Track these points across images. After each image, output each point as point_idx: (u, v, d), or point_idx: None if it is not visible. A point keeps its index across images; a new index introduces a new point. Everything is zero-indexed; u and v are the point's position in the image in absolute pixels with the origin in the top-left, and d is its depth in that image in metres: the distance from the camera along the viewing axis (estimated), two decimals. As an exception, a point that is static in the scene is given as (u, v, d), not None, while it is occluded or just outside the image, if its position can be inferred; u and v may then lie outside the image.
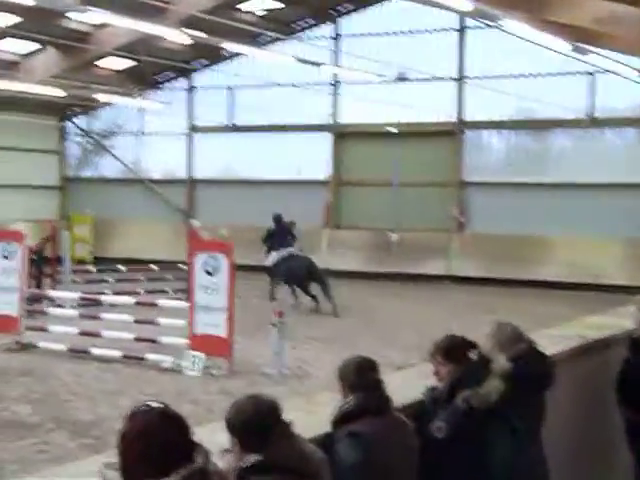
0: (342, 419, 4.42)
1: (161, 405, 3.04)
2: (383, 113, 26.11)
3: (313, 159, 28.44)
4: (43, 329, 13.87)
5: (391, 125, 26.55)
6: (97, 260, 26.67)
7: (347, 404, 4.46)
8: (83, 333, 13.66)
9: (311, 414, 4.91)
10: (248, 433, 3.59)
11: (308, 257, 19.55)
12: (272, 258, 19.87)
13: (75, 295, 15.46)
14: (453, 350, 5.27)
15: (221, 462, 3.45)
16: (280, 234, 20.17)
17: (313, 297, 18.75)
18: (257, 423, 3.61)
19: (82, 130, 32.61)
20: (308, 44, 25.64)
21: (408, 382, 5.93)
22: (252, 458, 3.52)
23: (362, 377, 4.51)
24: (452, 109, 26.23)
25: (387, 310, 19.18)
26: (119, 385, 11.33)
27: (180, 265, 19.61)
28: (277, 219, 20.57)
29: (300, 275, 18.79)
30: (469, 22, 25.46)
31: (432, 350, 5.38)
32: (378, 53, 24.75)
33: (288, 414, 3.81)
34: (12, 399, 10.45)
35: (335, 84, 27.84)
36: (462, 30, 25.91)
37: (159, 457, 2.90)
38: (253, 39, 25.65)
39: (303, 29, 27.68)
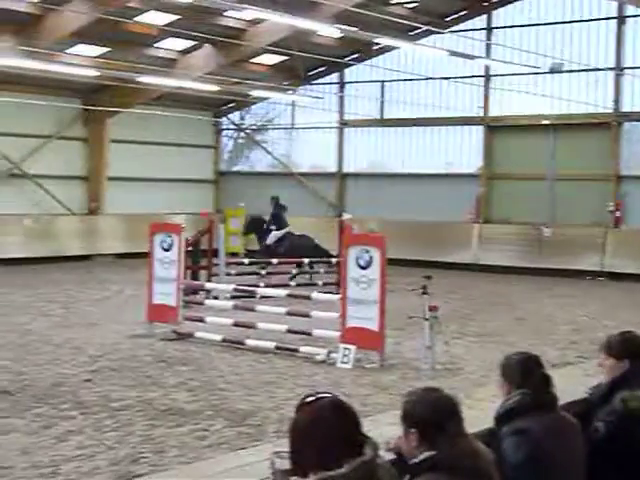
0: (506, 416, 4.36)
1: (333, 395, 3.05)
2: (537, 105, 25.61)
3: (463, 152, 28.21)
4: (200, 319, 14.24)
5: (545, 117, 26.02)
6: (249, 253, 27.19)
7: (512, 400, 4.40)
8: (238, 324, 13.95)
9: (471, 409, 4.87)
10: (426, 426, 3.55)
11: (307, 235, 21.83)
12: (272, 237, 21.92)
13: (230, 287, 15.81)
14: (620, 347, 5.09)
15: (387, 455, 3.47)
16: (280, 215, 21.96)
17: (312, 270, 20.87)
18: (437, 417, 3.56)
19: (235, 125, 33.35)
20: (460, 36, 25.39)
21: (567, 380, 5.81)
22: (426, 454, 3.49)
23: (528, 373, 4.44)
24: (609, 100, 25.47)
25: (539, 306, 18.81)
26: (274, 376, 11.51)
27: (331, 258, 19.84)
28: (277, 201, 22.51)
29: (304, 251, 20.63)
30: (629, 10, 24.66)
31: (601, 345, 5.24)
32: (532, 44, 24.27)
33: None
34: (172, 386, 10.77)
35: (487, 76, 27.48)
36: (621, 19, 25.11)
37: (330, 447, 2.91)
38: (405, 33, 25.60)
39: (456, 21, 27.45)
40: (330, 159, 31.08)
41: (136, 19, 23.81)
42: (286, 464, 3.05)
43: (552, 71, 25.27)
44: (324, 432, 2.96)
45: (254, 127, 33.06)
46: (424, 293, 12.54)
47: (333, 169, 30.99)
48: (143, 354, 12.78)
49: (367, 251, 12.45)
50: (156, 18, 24.04)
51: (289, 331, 13.44)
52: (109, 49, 25.41)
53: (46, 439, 8.42)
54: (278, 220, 22.19)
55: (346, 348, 12.31)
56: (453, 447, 3.50)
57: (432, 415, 3.58)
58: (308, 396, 3.09)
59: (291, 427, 3.04)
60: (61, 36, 22.55)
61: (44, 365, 11.83)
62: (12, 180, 27.07)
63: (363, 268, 12.41)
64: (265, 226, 22.37)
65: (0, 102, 24.79)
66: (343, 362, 12.21)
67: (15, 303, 17.73)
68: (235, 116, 33.21)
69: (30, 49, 21.88)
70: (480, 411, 4.82)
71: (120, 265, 25.78)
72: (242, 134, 33.63)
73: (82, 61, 24.93)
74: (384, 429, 3.82)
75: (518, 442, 4.19)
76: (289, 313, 13.80)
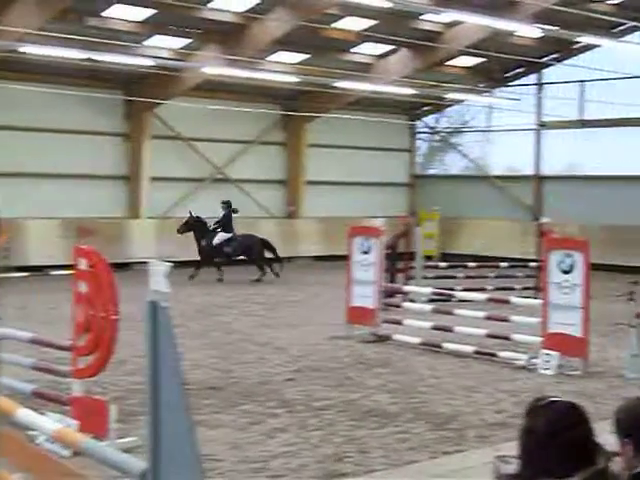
0: None
1: (567, 400, 2.97)
2: None
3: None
4: (398, 322, 14.30)
5: None
6: (443, 256, 27.06)
7: None
8: (436, 328, 13.91)
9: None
10: None
11: (253, 235, 23.27)
12: (219, 238, 22.71)
13: (427, 290, 15.79)
14: None
15: (614, 465, 3.35)
16: (230, 219, 23.01)
17: (262, 269, 22.55)
18: None
19: (430, 128, 33.30)
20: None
21: None
22: None
23: None
24: None
25: None
26: (473, 380, 11.42)
27: (530, 263, 19.45)
28: (230, 205, 23.15)
29: (255, 250, 22.68)
30: None
31: None
32: None
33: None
34: (372, 388, 10.88)
35: (697, 73, 26.22)
36: None
37: (565, 453, 2.82)
38: (607, 30, 24.78)
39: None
40: (526, 161, 30.52)
41: (334, 25, 24.20)
42: (511, 469, 2.99)
43: None
44: (562, 437, 2.87)
45: (449, 130, 32.91)
46: (631, 299, 12.11)
47: (530, 172, 30.41)
48: (343, 355, 12.98)
49: (570, 255, 12.17)
50: (354, 23, 24.33)
51: (488, 335, 13.31)
52: (308, 55, 25.94)
53: (254, 435, 8.70)
54: (228, 223, 23.00)
55: (548, 354, 12.06)
56: None
57: None
58: (539, 400, 3.01)
59: (525, 430, 2.95)
60: (263, 44, 23.21)
61: (249, 363, 12.22)
62: (216, 184, 28.07)
63: (566, 273, 12.13)
64: (208, 227, 23.05)
65: (205, 110, 25.79)
66: (544, 368, 11.97)
67: (219, 303, 18.40)
68: (430, 119, 33.17)
69: (234, 57, 22.67)
70: None
71: (318, 267, 26.28)
72: (437, 137, 33.56)
73: (282, 68, 25.59)
74: (605, 437, 3.70)
75: None
76: (488, 317, 13.68)
